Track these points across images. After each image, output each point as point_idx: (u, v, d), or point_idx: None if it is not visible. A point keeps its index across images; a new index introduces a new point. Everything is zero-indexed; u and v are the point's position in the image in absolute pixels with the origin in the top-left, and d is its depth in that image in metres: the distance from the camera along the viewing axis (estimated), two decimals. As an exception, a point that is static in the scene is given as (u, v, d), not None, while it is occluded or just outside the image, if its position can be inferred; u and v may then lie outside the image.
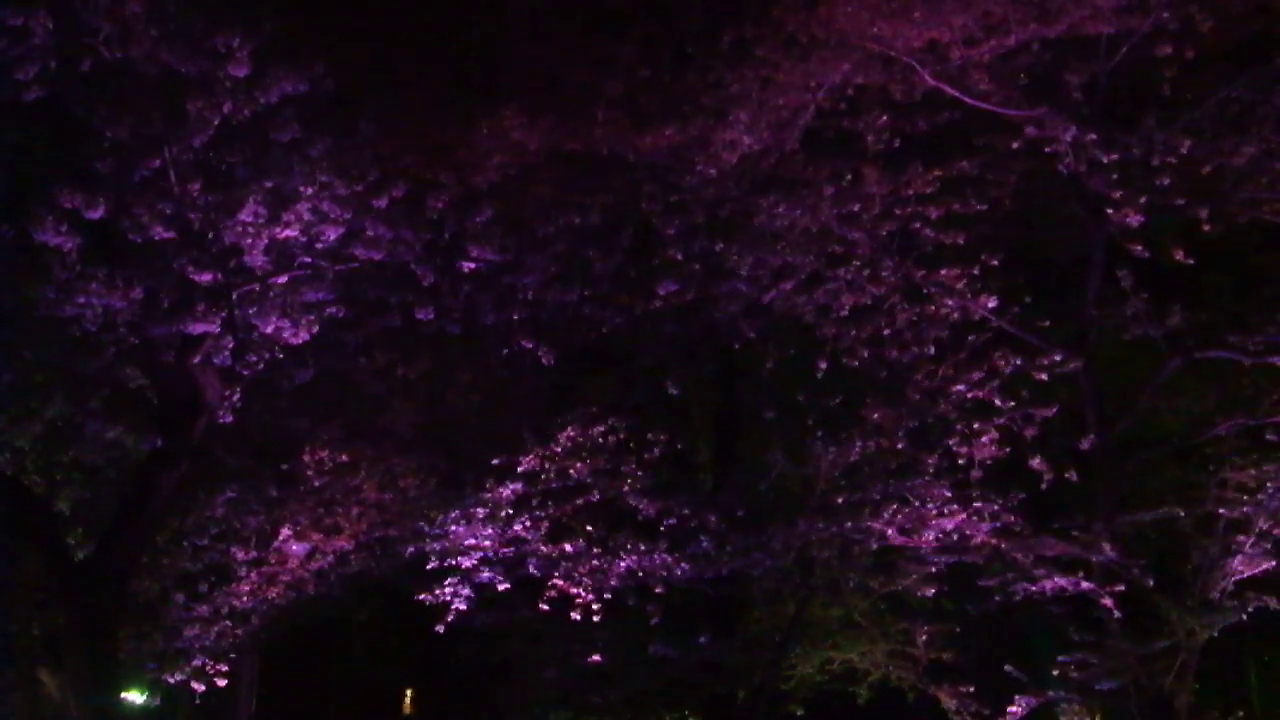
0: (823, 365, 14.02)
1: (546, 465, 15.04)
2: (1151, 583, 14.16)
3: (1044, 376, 13.67)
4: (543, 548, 15.53)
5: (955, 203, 13.42)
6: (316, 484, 15.30)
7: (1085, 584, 14.29)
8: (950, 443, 14.01)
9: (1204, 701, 15.71)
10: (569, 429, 14.96)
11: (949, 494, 14.29)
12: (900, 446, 14.45)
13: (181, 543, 15.55)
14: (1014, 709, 15.46)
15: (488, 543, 15.47)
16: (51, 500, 14.38)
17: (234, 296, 11.68)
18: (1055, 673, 15.24)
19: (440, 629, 16.07)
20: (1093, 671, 14.73)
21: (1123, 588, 14.11)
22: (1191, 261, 13.04)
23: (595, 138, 13.20)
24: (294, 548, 15.71)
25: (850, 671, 19.98)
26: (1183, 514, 14.30)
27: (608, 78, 13.25)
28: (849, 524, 15.13)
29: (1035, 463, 13.66)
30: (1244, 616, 14.32)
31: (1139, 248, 13.03)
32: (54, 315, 11.44)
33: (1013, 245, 14.27)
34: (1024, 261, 14.79)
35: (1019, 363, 13.61)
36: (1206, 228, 13.01)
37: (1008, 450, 13.83)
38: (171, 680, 16.23)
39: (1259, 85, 12.90)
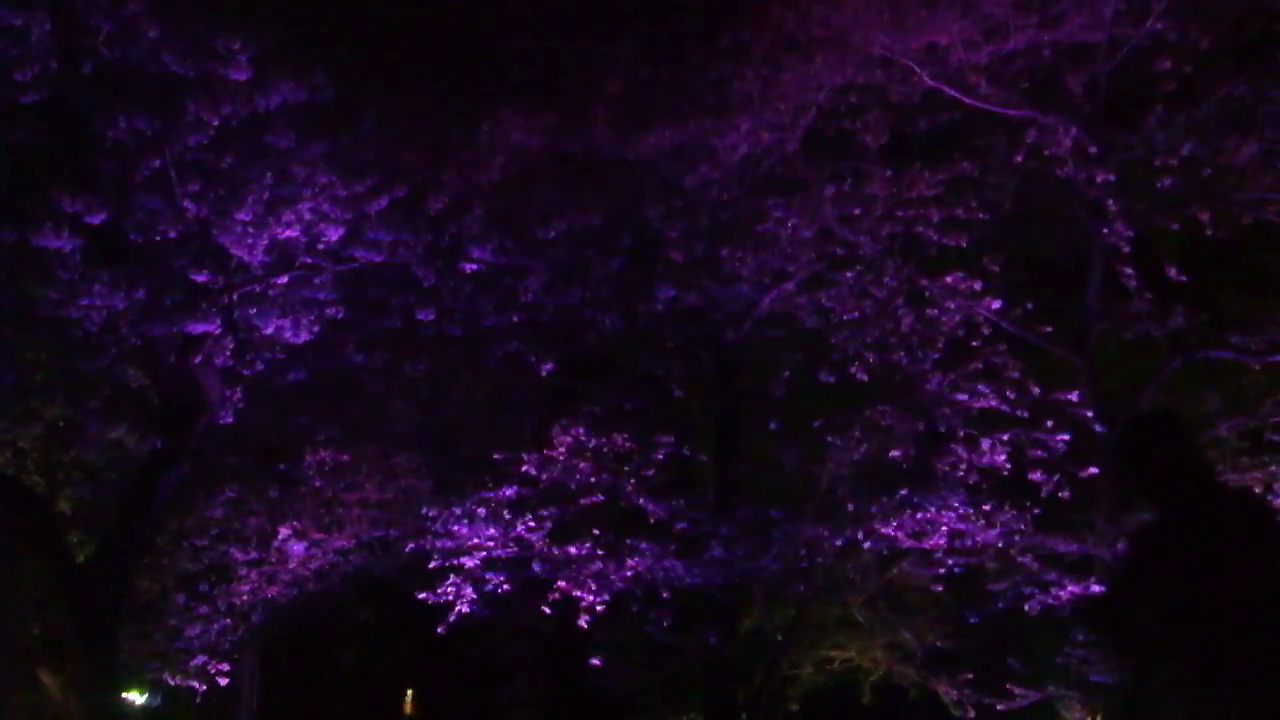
0: (827, 369, 14.01)
1: (548, 466, 15.01)
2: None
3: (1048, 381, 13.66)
4: (546, 547, 15.46)
5: (957, 206, 13.40)
6: (317, 483, 15.30)
7: (1096, 587, 14.23)
8: (957, 448, 13.98)
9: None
10: (570, 430, 14.93)
11: (958, 503, 14.25)
12: (911, 452, 14.42)
13: (182, 543, 15.56)
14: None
15: (491, 543, 15.41)
16: (52, 500, 14.39)
17: (234, 297, 11.69)
18: (1058, 658, 15.17)
19: (441, 630, 16.00)
20: (1093, 666, 14.69)
21: None
22: (1192, 267, 13.05)
23: (595, 138, 13.17)
24: (294, 547, 15.70)
25: (849, 670, 19.92)
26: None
27: (607, 77, 13.22)
28: (859, 530, 15.09)
29: (1037, 476, 13.71)
30: None
31: (1129, 248, 13.04)
32: (56, 316, 11.44)
33: (1014, 246, 14.26)
34: (1026, 262, 14.77)
35: (1021, 370, 13.57)
36: (1209, 233, 13.00)
37: (1011, 467, 13.86)
38: (172, 680, 16.23)
39: (1260, 84, 12.87)
